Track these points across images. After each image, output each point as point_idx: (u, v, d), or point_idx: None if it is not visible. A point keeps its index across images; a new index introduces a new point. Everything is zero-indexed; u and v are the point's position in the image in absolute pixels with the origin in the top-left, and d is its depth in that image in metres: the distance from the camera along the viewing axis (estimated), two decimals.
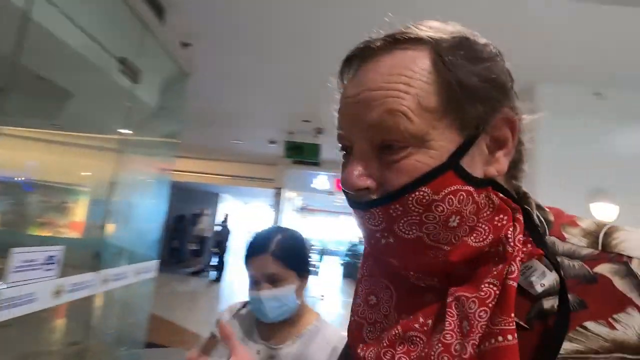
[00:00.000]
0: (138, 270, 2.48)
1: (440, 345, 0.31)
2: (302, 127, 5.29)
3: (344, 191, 0.37)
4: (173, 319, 4.94)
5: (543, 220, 0.36)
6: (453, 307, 0.32)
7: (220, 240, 9.27)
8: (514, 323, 0.29)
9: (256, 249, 0.89)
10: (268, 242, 0.88)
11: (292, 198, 9.63)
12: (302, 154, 5.35)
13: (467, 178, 0.32)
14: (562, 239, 0.34)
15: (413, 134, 0.32)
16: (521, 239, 0.32)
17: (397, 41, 0.35)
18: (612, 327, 0.28)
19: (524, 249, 0.33)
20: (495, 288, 0.31)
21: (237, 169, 8.44)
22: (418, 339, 0.34)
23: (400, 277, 0.39)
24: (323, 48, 2.93)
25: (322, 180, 8.13)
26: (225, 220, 9.58)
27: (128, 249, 2.52)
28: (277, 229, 0.95)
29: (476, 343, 0.29)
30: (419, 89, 0.32)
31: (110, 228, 2.41)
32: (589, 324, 0.29)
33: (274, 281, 0.86)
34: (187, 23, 2.69)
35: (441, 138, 0.32)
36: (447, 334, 0.31)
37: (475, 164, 0.33)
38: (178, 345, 4.07)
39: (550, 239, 0.34)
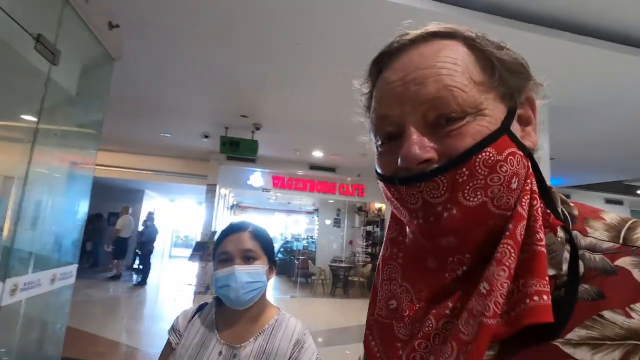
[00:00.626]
0: (53, 277, 2.18)
1: (465, 312, 0.33)
2: (239, 122, 5.15)
3: (388, 178, 0.39)
4: (89, 329, 4.45)
5: (567, 214, 0.37)
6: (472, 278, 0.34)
7: (145, 241, 8.53)
8: (549, 285, 0.31)
9: (235, 227, 0.97)
10: (246, 224, 0.98)
11: (224, 195, 9.30)
12: (239, 150, 5.20)
13: (519, 143, 0.36)
14: (585, 233, 0.35)
15: (469, 104, 0.35)
16: (543, 208, 0.35)
17: (434, 34, 0.39)
18: (629, 316, 0.28)
19: (545, 220, 0.35)
20: (510, 248, 0.33)
21: (165, 164, 7.87)
22: (452, 325, 0.35)
23: (426, 276, 0.40)
24: (266, 40, 2.89)
25: (257, 177, 8.00)
26: (150, 219, 8.84)
27: (41, 253, 2.20)
28: (246, 221, 1.02)
29: (499, 302, 0.31)
30: (465, 66, 0.36)
31: (16, 230, 2.08)
32: (606, 313, 0.29)
33: (248, 258, 0.91)
34: (115, 0, 2.44)
35: (493, 107, 0.36)
36: (469, 301, 0.33)
37: (517, 135, 0.37)
38: (96, 357, 3.69)
39: (574, 233, 0.35)
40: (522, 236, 0.34)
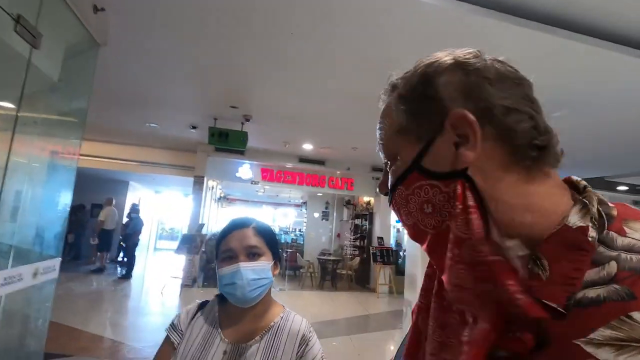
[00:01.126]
0: (35, 271, 2.10)
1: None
2: (229, 113, 5.05)
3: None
4: (72, 323, 4.34)
5: (604, 214, 0.37)
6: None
7: (129, 233, 8.36)
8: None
9: (239, 223, 0.94)
10: (250, 220, 0.96)
11: (212, 187, 9.17)
12: (228, 142, 5.10)
13: (429, 174, 0.41)
14: (623, 233, 0.35)
15: (392, 152, 0.47)
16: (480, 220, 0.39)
17: (386, 91, 0.50)
18: None
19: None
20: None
21: (151, 154, 7.69)
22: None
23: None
24: (258, 29, 2.82)
25: (246, 169, 7.91)
26: (135, 211, 8.64)
27: (21, 246, 2.12)
28: (250, 216, 0.99)
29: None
30: (392, 120, 0.47)
31: None
32: (635, 314, 0.29)
33: (253, 255, 0.89)
34: None
35: (405, 150, 0.44)
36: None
37: (442, 162, 0.41)
38: (80, 351, 3.61)
39: (610, 233, 0.35)
40: (455, 247, 0.39)
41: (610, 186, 8.48)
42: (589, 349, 0.29)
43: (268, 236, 0.94)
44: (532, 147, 0.39)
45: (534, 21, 2.48)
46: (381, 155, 0.50)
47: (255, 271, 0.87)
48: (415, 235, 0.46)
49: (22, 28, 1.66)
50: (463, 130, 0.40)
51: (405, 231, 0.49)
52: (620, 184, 8.39)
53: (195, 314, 0.94)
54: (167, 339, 0.91)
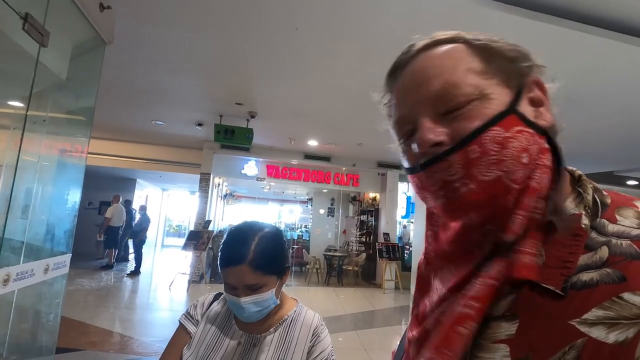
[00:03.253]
0: (47, 267, 2.14)
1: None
2: (234, 110, 5.06)
3: (411, 168, 0.42)
4: (82, 318, 4.41)
5: (599, 201, 0.38)
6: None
7: (137, 231, 8.45)
8: (539, 249, 0.36)
9: (233, 259, 0.81)
10: (245, 251, 0.81)
11: (218, 184, 9.22)
12: (233, 139, 5.12)
13: (528, 121, 0.38)
14: (614, 220, 0.36)
15: (474, 91, 0.38)
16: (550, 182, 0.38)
17: (437, 42, 0.43)
18: None
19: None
20: (522, 218, 0.37)
21: (158, 152, 7.75)
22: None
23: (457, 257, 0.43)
24: (264, 25, 2.82)
25: (251, 166, 7.93)
26: (143, 209, 8.74)
27: (33, 243, 2.15)
28: (251, 230, 0.86)
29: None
30: (466, 60, 0.40)
31: (7, 219, 2.02)
32: (625, 295, 0.31)
33: (254, 290, 0.82)
34: None
35: (496, 91, 0.38)
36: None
37: (528, 115, 0.39)
38: (89, 346, 3.67)
39: (602, 220, 0.37)
40: (533, 207, 0.37)
41: (620, 181, 8.36)
42: (583, 329, 0.31)
43: (269, 265, 0.83)
44: (555, 130, 0.41)
45: (535, 11, 2.44)
46: (441, 102, 0.39)
47: (258, 303, 0.82)
48: (489, 195, 0.37)
49: (30, 26, 1.68)
50: (537, 94, 0.41)
51: (441, 205, 0.39)
52: (630, 179, 8.26)
53: (210, 304, 0.96)
54: (182, 327, 0.92)
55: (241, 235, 0.85)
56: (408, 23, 2.55)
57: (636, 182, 8.58)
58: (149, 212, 8.94)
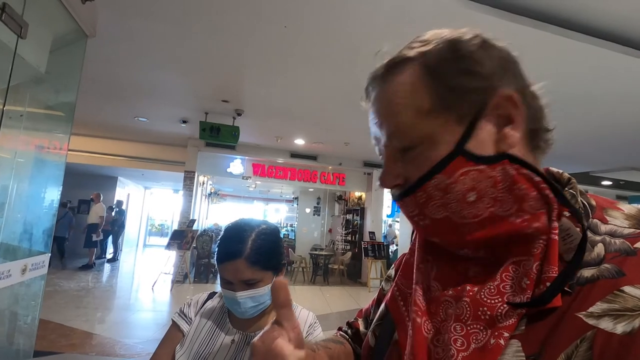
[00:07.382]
0: (24, 267, 2.06)
1: (497, 298, 0.37)
2: (220, 108, 4.99)
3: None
4: (61, 320, 4.28)
5: (586, 204, 0.40)
6: (510, 270, 0.38)
7: (115, 228, 8.33)
8: (557, 270, 0.35)
9: (229, 254, 0.82)
10: (241, 246, 0.82)
11: (203, 183, 9.09)
12: (219, 137, 5.05)
13: (476, 158, 0.38)
14: (604, 220, 0.39)
15: (420, 136, 0.39)
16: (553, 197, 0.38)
17: (391, 67, 0.42)
18: None
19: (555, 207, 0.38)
20: (543, 242, 0.37)
21: (140, 149, 7.57)
22: (466, 304, 0.39)
23: (441, 256, 0.45)
24: (251, 21, 2.78)
25: (237, 165, 7.85)
26: (118, 204, 8.63)
27: (9, 242, 2.07)
28: (248, 226, 0.87)
29: (529, 296, 0.35)
30: (416, 98, 0.40)
31: None
32: (626, 288, 0.32)
33: (250, 285, 0.82)
34: None
35: (445, 131, 0.38)
36: (503, 288, 0.37)
37: (485, 145, 0.38)
38: (69, 349, 3.56)
39: (593, 221, 0.39)
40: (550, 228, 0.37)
41: (595, 181, 8.68)
42: (591, 321, 0.32)
43: (265, 260, 0.83)
44: (545, 131, 0.41)
45: (522, 16, 2.50)
46: (394, 141, 0.41)
47: (254, 298, 0.83)
48: (439, 230, 0.41)
49: (8, 17, 1.61)
50: (506, 110, 0.39)
51: (411, 226, 0.45)
52: (605, 179, 8.59)
53: (204, 303, 0.95)
54: (175, 325, 0.91)
55: (238, 230, 0.86)
56: (396, 23, 2.57)
57: (610, 183, 8.92)
58: (124, 206, 9.09)
